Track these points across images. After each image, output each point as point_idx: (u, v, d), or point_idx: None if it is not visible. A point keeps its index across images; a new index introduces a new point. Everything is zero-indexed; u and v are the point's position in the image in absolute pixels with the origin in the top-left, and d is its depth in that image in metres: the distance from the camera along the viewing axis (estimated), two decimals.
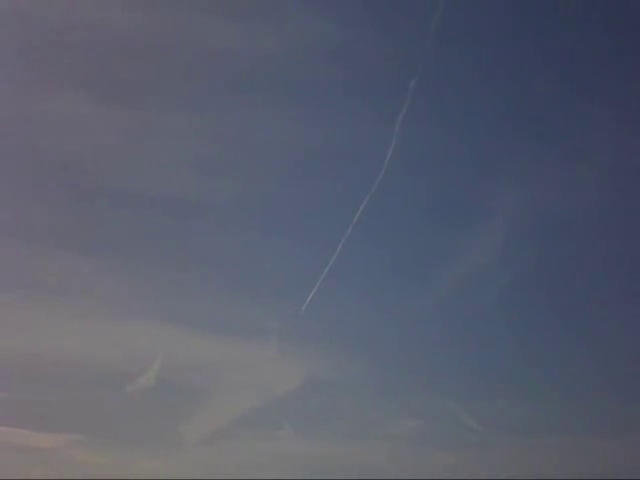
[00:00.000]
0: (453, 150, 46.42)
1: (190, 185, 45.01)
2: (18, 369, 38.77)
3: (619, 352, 43.65)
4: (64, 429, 39.16)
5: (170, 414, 39.59)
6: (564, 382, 43.63)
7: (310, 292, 41.42)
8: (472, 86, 46.76)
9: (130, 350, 40.52)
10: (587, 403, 42.42)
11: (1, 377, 38.39)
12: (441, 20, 40.52)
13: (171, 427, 39.53)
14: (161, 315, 42.00)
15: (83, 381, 39.80)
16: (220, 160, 45.52)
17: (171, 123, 45.26)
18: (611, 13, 46.18)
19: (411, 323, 44.12)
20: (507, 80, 47.55)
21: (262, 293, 43.89)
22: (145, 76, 45.03)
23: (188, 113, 45.52)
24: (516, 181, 47.18)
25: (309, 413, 41.12)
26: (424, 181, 46.02)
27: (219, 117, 45.12)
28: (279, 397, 41.12)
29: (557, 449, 41.61)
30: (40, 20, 42.94)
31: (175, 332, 41.32)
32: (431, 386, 42.68)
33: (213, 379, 41.56)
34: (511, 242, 46.27)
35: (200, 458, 39.69)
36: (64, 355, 39.58)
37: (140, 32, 43.68)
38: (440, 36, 41.05)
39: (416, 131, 42.09)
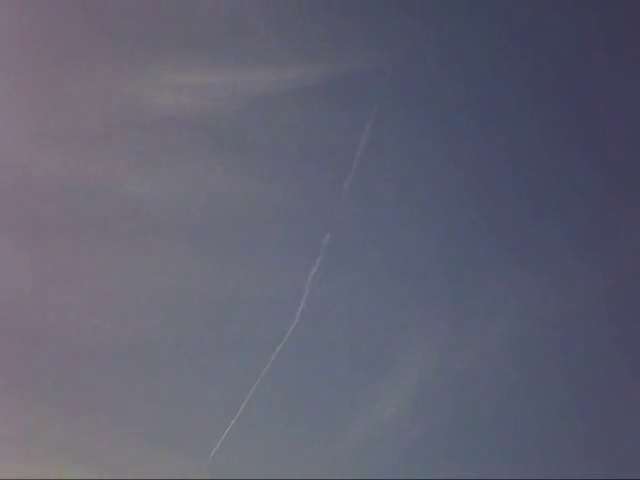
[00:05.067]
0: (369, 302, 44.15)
1: (103, 326, 43.45)
2: None
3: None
4: None
5: None
6: None
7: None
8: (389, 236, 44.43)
9: None
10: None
11: None
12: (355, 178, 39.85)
13: None
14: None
15: None
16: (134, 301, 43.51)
17: (83, 264, 43.84)
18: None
19: None
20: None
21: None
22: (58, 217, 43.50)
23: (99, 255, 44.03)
24: (426, 337, 44.61)
25: None
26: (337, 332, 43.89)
27: (132, 260, 43.87)
28: None
29: None
30: None
31: None
32: None
33: None
34: (420, 399, 44.31)
35: None
36: None
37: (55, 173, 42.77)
38: (355, 192, 39.57)
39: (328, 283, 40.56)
